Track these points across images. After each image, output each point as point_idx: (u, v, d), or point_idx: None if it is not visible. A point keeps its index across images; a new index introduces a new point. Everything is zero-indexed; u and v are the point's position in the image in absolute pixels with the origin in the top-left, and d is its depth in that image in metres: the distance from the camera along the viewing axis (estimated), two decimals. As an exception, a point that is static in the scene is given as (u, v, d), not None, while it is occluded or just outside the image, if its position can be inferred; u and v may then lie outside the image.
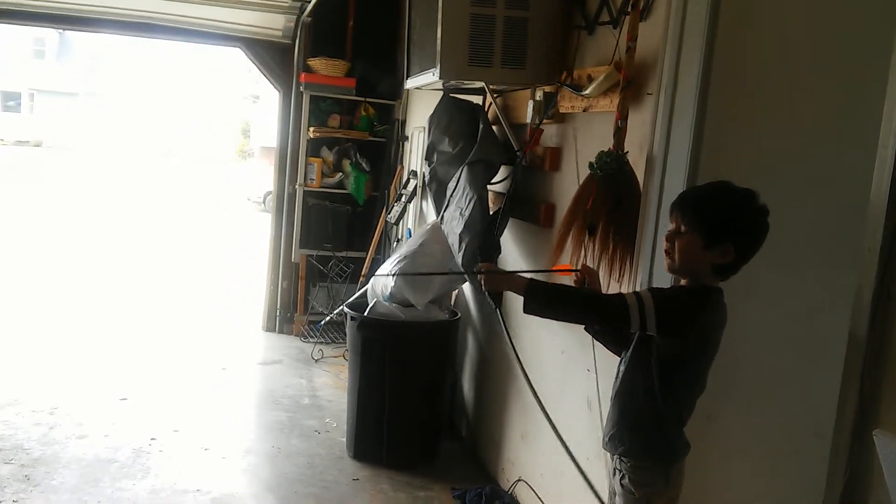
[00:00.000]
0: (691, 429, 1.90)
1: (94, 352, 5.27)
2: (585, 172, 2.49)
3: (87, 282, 7.77)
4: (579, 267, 2.13)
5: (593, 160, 2.40)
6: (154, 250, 10.35)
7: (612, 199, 2.37)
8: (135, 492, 3.27)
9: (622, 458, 1.90)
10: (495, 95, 3.50)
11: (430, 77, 3.09)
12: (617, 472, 1.92)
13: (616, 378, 1.97)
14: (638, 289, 2.31)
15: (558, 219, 2.93)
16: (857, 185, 1.76)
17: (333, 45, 5.76)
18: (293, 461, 3.73)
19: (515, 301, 2.00)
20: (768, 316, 2.19)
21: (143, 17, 5.60)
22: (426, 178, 3.95)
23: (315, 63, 5.66)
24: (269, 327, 6.14)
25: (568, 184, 2.91)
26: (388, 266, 3.94)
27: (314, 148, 5.92)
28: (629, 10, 2.41)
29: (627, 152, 2.39)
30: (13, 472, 3.33)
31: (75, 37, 32.25)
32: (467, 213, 3.25)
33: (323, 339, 5.78)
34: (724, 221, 1.76)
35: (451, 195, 3.45)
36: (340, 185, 5.96)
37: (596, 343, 2.24)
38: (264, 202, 16.02)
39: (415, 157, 5.37)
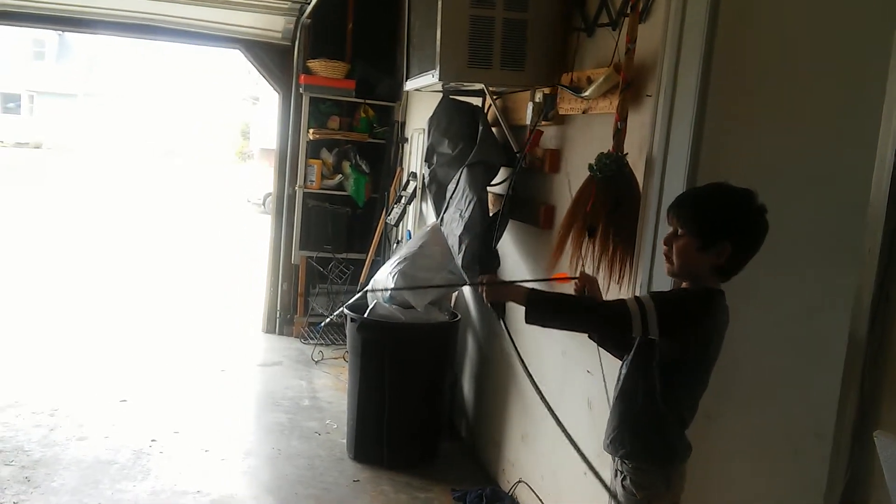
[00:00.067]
0: (691, 429, 1.90)
1: (95, 353, 5.27)
2: (582, 174, 2.50)
3: (87, 283, 7.76)
4: (578, 274, 2.12)
5: (593, 162, 2.40)
6: (154, 252, 10.35)
7: (612, 200, 2.37)
8: (135, 493, 3.27)
9: (623, 460, 1.90)
10: (495, 97, 3.50)
11: (430, 79, 3.09)
12: (618, 473, 1.92)
13: (617, 381, 1.97)
14: (638, 291, 2.31)
15: (558, 220, 2.93)
16: (857, 185, 1.76)
17: (333, 47, 5.77)
18: (293, 463, 3.73)
19: (515, 305, 2.01)
20: (768, 316, 2.19)
21: (142, 19, 5.60)
22: (426, 180, 3.95)
23: (314, 65, 5.67)
24: (269, 329, 6.14)
25: (568, 186, 2.91)
26: (388, 267, 3.94)
27: (314, 150, 5.92)
28: (628, 11, 2.42)
29: (627, 154, 2.39)
30: (13, 474, 3.33)
31: (75, 38, 32.26)
32: (467, 215, 3.25)
33: (323, 341, 5.78)
34: (718, 222, 1.76)
35: (451, 197, 3.45)
36: (340, 186, 5.97)
37: (597, 344, 2.24)
38: (264, 204, 16.03)
39: (414, 158, 5.38)
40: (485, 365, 3.93)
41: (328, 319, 5.69)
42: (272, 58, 5.88)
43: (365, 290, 3.73)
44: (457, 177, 3.44)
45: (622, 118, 2.39)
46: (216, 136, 35.90)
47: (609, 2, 2.69)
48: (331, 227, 5.92)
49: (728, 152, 2.16)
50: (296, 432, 4.11)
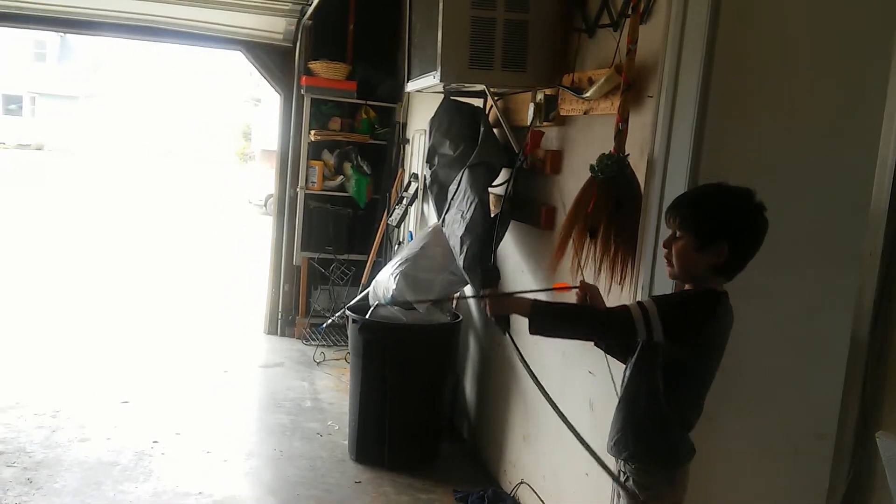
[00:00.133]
0: (693, 429, 1.90)
1: (97, 355, 5.28)
2: (584, 175, 2.50)
3: (88, 285, 7.77)
4: (578, 283, 2.12)
5: (594, 163, 2.40)
6: (155, 253, 10.36)
7: (613, 201, 2.36)
8: (137, 495, 3.27)
9: (627, 461, 1.90)
10: (496, 98, 3.50)
11: (431, 80, 3.09)
12: (622, 474, 1.93)
13: (622, 383, 1.97)
14: (639, 291, 2.32)
15: (559, 221, 2.93)
16: (857, 185, 1.77)
17: (334, 48, 5.77)
18: (295, 464, 3.73)
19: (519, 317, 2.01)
20: (768, 316, 2.19)
21: (143, 21, 5.61)
22: (427, 181, 3.95)
23: (316, 66, 5.67)
24: (271, 330, 6.15)
25: (569, 186, 2.91)
26: (390, 268, 3.94)
27: (315, 151, 5.93)
28: (629, 12, 2.42)
29: (628, 155, 2.39)
30: (16, 476, 3.33)
31: (76, 40, 32.25)
32: (468, 216, 3.26)
33: (325, 342, 5.78)
34: (714, 222, 1.76)
35: (453, 198, 3.45)
36: (342, 187, 5.97)
37: (604, 351, 2.24)
38: (265, 205, 16.03)
39: (416, 159, 5.38)
40: (486, 366, 3.93)
41: (330, 321, 5.71)
42: (273, 59, 5.89)
43: (397, 301, 3.71)
44: (458, 178, 3.44)
45: (623, 119, 2.39)
46: (217, 138, 35.93)
47: (610, 3, 2.69)
48: (332, 228, 5.92)
49: (729, 153, 2.16)
50: (297, 433, 4.12)
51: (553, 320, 1.90)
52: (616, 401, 1.99)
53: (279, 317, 6.09)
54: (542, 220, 3.11)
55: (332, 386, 4.96)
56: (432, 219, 4.49)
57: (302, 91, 5.70)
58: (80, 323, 6.14)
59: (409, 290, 3.73)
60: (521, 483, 3.32)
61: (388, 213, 5.62)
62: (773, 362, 2.24)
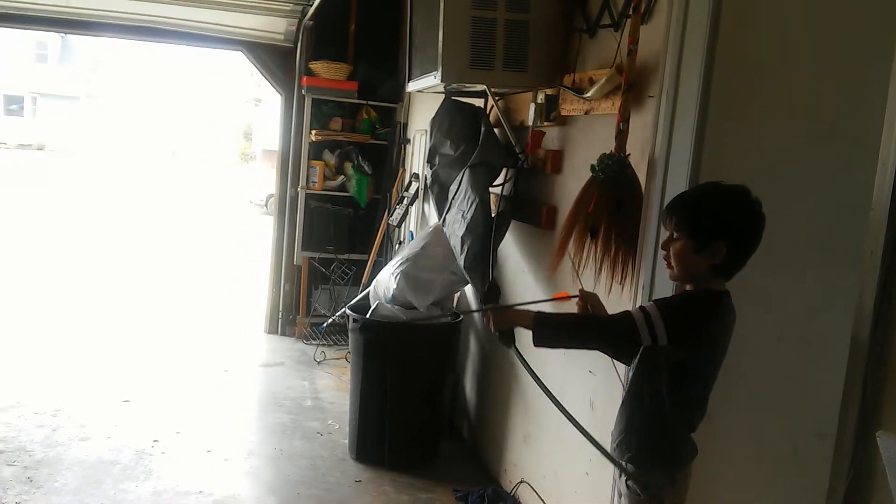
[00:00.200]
0: (693, 429, 1.91)
1: (97, 354, 5.28)
2: (584, 175, 2.50)
3: (89, 284, 7.78)
4: (577, 292, 2.11)
5: (595, 163, 2.41)
6: (156, 253, 10.36)
7: (614, 201, 2.37)
8: (137, 493, 3.27)
9: (629, 462, 1.90)
10: (497, 98, 3.50)
11: (432, 80, 3.10)
12: (623, 472, 1.93)
13: (625, 385, 1.97)
14: (640, 291, 2.32)
15: (560, 221, 2.94)
16: (858, 186, 1.77)
17: (335, 49, 5.78)
18: (295, 463, 3.73)
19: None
20: (768, 316, 2.19)
21: (144, 21, 5.61)
22: (428, 181, 3.95)
23: (317, 66, 5.68)
24: (272, 329, 6.15)
25: (570, 186, 2.91)
26: (391, 268, 3.94)
27: (316, 151, 5.93)
28: (630, 12, 2.42)
29: (629, 155, 2.39)
30: (16, 474, 3.34)
31: (77, 40, 32.26)
32: (469, 216, 3.26)
33: (325, 342, 5.79)
34: (710, 222, 1.76)
35: (453, 198, 3.46)
36: (342, 187, 5.97)
37: (612, 358, 2.24)
38: (266, 205, 16.05)
39: (417, 159, 5.38)
40: (486, 365, 3.94)
41: (330, 320, 5.71)
42: (274, 59, 5.89)
43: (433, 317, 3.72)
44: (459, 178, 3.44)
45: (624, 119, 2.39)
46: (218, 138, 35.94)
47: (611, 3, 2.70)
48: (333, 227, 5.92)
49: (729, 153, 2.16)
50: (298, 433, 4.12)
51: (556, 331, 1.92)
52: (618, 400, 1.99)
53: (280, 316, 6.09)
54: (543, 220, 3.12)
55: (332, 385, 4.97)
56: (433, 219, 4.50)
57: (303, 91, 5.70)
58: (80, 322, 6.15)
59: (409, 289, 3.73)
60: (522, 482, 3.32)
61: (388, 213, 5.62)
62: (773, 362, 2.24)
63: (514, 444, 3.49)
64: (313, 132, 5.77)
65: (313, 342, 5.78)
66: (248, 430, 4.17)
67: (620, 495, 1.95)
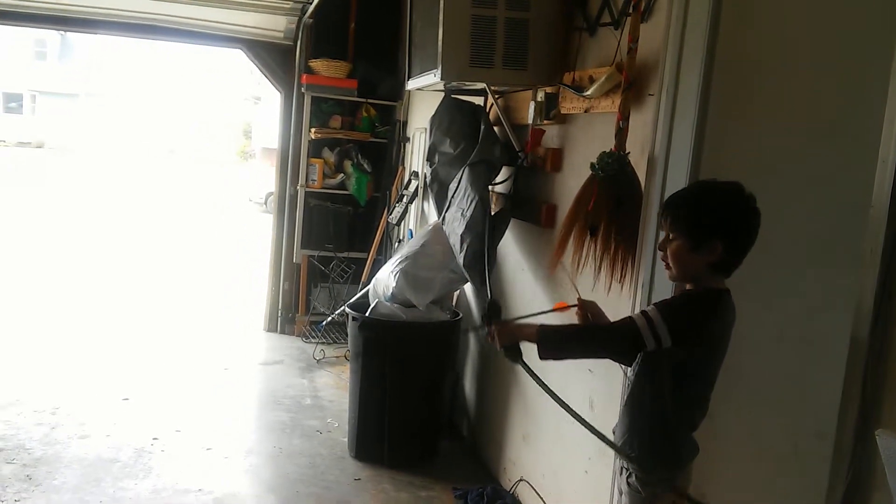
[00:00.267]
0: (692, 429, 1.91)
1: (96, 352, 5.28)
2: (584, 173, 2.50)
3: (88, 282, 7.78)
4: (576, 302, 2.10)
5: (595, 161, 2.41)
6: (156, 251, 10.36)
7: (614, 199, 2.37)
8: (137, 491, 3.27)
9: (630, 461, 1.90)
10: (497, 96, 3.50)
11: (432, 78, 3.09)
12: (624, 470, 1.93)
13: (627, 386, 1.97)
14: (639, 291, 2.32)
15: (560, 219, 2.93)
16: (857, 185, 1.76)
17: (335, 47, 5.77)
18: (295, 461, 3.73)
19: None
20: (768, 316, 2.19)
21: (144, 19, 5.61)
22: (427, 179, 3.95)
23: (316, 64, 5.67)
24: (271, 328, 6.15)
25: (569, 185, 2.91)
26: (390, 266, 3.94)
27: (316, 149, 5.93)
28: (630, 11, 2.42)
29: (629, 153, 2.39)
30: (15, 472, 3.33)
31: (76, 38, 32.32)
32: (469, 214, 3.26)
33: (324, 340, 5.78)
34: (704, 220, 1.76)
35: (453, 196, 3.46)
36: (342, 185, 5.97)
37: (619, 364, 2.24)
38: (266, 203, 16.04)
39: (416, 157, 5.38)
40: (486, 364, 3.94)
41: (330, 318, 5.71)
42: (274, 57, 5.89)
43: (474, 329, 3.69)
44: (458, 176, 3.44)
45: (624, 117, 2.39)
46: (218, 136, 35.93)
47: (611, 1, 2.69)
48: (332, 226, 5.92)
49: (729, 151, 2.16)
50: (297, 431, 4.12)
51: (560, 343, 1.91)
52: (617, 400, 1.99)
53: (279, 314, 6.09)
54: (543, 219, 3.11)
55: (331, 383, 4.97)
56: (432, 217, 4.49)
57: (302, 89, 5.70)
58: (80, 320, 6.14)
59: (409, 287, 3.73)
60: (521, 481, 3.32)
61: (388, 211, 5.62)
62: (772, 361, 2.24)
63: (514, 442, 3.49)
64: (313, 130, 5.76)
65: (313, 340, 5.78)
66: (247, 429, 4.17)
67: (621, 493, 1.95)
